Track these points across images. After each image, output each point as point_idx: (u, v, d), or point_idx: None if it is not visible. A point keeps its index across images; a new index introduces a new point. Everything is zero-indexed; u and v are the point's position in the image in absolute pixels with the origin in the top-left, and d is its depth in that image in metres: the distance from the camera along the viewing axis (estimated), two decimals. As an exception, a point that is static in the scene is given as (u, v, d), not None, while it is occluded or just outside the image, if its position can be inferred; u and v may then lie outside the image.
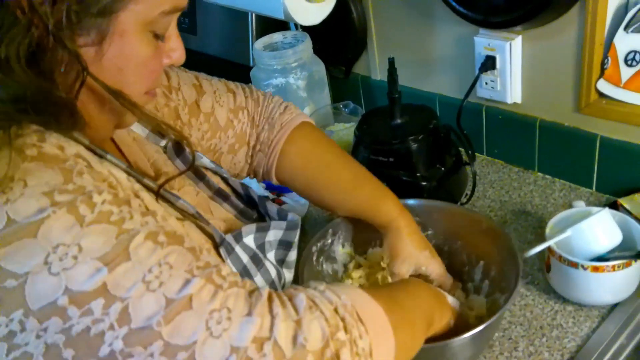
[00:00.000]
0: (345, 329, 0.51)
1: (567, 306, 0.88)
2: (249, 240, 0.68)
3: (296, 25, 1.40)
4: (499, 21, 1.04)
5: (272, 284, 0.69)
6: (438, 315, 0.71)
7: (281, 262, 0.74)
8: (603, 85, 1.00)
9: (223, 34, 1.55)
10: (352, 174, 0.87)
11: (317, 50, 1.34)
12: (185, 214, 0.61)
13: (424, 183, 1.05)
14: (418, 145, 1.05)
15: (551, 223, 0.91)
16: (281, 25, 1.39)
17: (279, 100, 0.89)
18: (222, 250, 0.63)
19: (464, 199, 1.12)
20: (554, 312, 0.88)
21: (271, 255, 0.72)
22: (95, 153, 0.52)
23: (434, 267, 0.85)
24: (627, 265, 0.82)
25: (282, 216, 0.75)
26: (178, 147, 0.73)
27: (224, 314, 0.47)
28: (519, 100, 1.15)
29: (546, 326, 0.86)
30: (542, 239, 0.88)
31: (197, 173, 0.73)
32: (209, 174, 0.75)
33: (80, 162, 0.47)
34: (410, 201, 0.93)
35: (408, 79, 1.30)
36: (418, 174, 1.05)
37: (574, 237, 0.85)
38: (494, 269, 0.87)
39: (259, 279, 0.67)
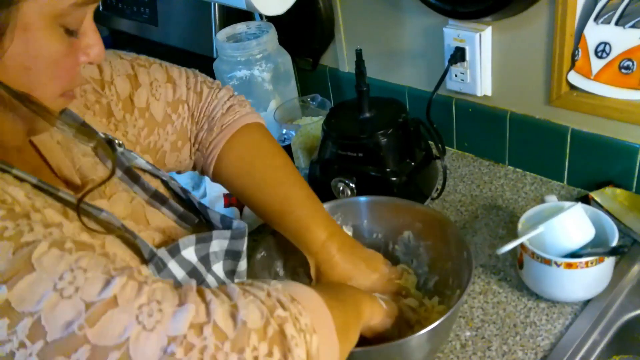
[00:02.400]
0: (283, 307, 0.50)
1: (540, 303, 0.87)
2: (189, 253, 0.63)
3: (261, 15, 1.36)
4: (468, 11, 1.01)
5: None
6: (368, 309, 0.70)
7: (231, 273, 0.69)
8: (574, 77, 0.99)
9: (185, 25, 1.50)
10: (283, 196, 0.82)
11: (283, 42, 1.30)
12: (110, 228, 0.57)
13: (394, 178, 1.02)
14: (387, 139, 1.02)
15: (523, 219, 0.89)
16: (245, 15, 1.35)
17: (226, 95, 0.82)
18: (151, 268, 0.58)
19: (434, 194, 1.10)
20: (527, 310, 0.86)
21: (218, 267, 0.67)
22: None
23: (371, 280, 0.84)
24: (600, 261, 0.80)
25: (226, 224, 0.70)
26: (110, 147, 0.66)
27: (154, 306, 0.44)
28: (489, 92, 1.13)
29: (519, 324, 0.84)
30: (513, 233, 0.87)
31: (130, 175, 0.67)
32: (146, 176, 0.70)
33: None
34: (362, 199, 0.94)
35: (377, 72, 1.27)
36: (387, 169, 1.03)
37: (546, 233, 0.83)
38: (448, 264, 0.85)
39: None
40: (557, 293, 0.85)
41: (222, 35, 1.27)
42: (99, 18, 2.01)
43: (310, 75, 1.44)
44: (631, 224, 0.92)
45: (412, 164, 1.05)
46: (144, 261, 0.58)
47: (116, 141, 0.66)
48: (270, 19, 1.27)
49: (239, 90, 1.26)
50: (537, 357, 0.79)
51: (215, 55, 1.35)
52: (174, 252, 0.60)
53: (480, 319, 0.86)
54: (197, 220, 0.72)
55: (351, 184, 1.02)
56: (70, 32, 0.50)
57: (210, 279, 0.64)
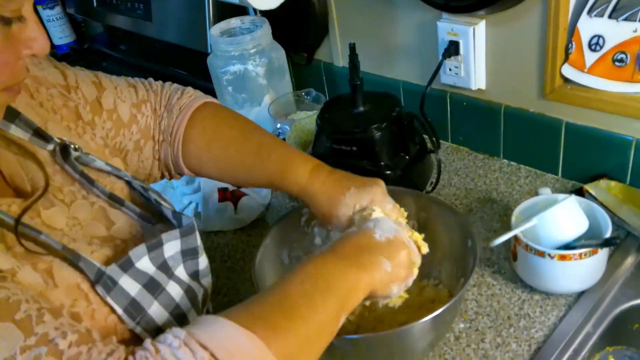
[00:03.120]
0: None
1: (534, 295, 0.87)
2: (144, 263, 0.60)
3: (255, 10, 1.36)
4: (461, 5, 1.01)
5: (179, 306, 0.62)
6: (362, 291, 0.63)
7: (195, 274, 0.67)
8: (568, 71, 0.99)
9: (179, 20, 1.50)
10: (257, 144, 0.80)
11: (277, 36, 1.30)
12: (51, 249, 0.55)
13: (388, 172, 1.02)
14: (381, 133, 1.02)
15: (517, 211, 0.89)
16: (239, 10, 1.35)
17: (178, 86, 0.84)
18: (99, 289, 0.56)
19: (429, 188, 1.10)
20: (521, 302, 0.86)
21: (180, 271, 0.65)
22: None
23: (363, 199, 0.75)
24: (594, 253, 0.80)
25: (178, 220, 0.67)
26: (64, 151, 0.65)
27: None
28: (483, 86, 1.13)
29: (513, 316, 0.84)
30: (508, 226, 0.87)
31: (86, 179, 0.66)
32: (107, 178, 0.69)
33: None
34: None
35: (371, 66, 1.27)
36: (382, 163, 1.03)
37: (540, 226, 0.83)
38: (453, 253, 0.85)
39: (155, 309, 0.60)
40: (551, 285, 0.85)
41: (215, 30, 1.26)
42: (92, 13, 2.02)
43: (304, 69, 1.44)
44: (625, 216, 0.93)
45: (407, 157, 1.05)
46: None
47: (72, 146, 0.65)
48: (265, 13, 1.27)
49: (233, 85, 1.27)
50: (530, 349, 0.79)
51: (209, 51, 1.35)
52: (126, 266, 0.58)
53: (474, 311, 0.86)
54: (155, 220, 0.70)
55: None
56: (7, 22, 0.49)
57: (172, 286, 0.62)
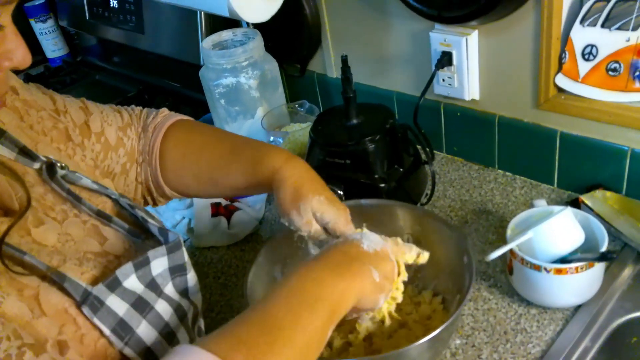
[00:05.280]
0: None
1: (531, 309, 0.86)
2: (132, 282, 0.58)
3: (247, 22, 1.35)
4: (454, 16, 1.00)
5: (168, 325, 0.61)
6: (344, 304, 0.62)
7: (185, 292, 0.66)
8: (561, 80, 0.98)
9: (172, 33, 1.49)
10: (230, 144, 0.81)
11: (270, 48, 1.29)
12: (36, 270, 0.54)
13: (382, 185, 1.01)
14: (375, 145, 1.01)
15: (512, 224, 0.88)
16: (232, 22, 1.34)
17: (153, 109, 0.86)
18: (85, 310, 0.54)
19: (424, 199, 1.09)
20: (518, 316, 0.85)
21: (170, 288, 0.63)
22: None
23: (329, 213, 0.73)
24: (590, 266, 0.79)
25: (165, 236, 0.66)
26: (50, 170, 0.64)
27: None
28: (477, 96, 1.12)
29: (510, 331, 0.83)
30: (503, 238, 0.86)
31: (73, 196, 0.64)
32: (93, 196, 0.68)
33: None
34: (363, 201, 0.90)
35: (364, 77, 1.26)
36: (376, 176, 1.02)
37: (535, 239, 0.82)
38: (449, 268, 0.84)
39: (144, 328, 0.58)
40: (548, 299, 0.84)
41: (207, 42, 1.26)
42: (85, 26, 2.01)
43: (298, 81, 1.43)
44: (621, 227, 0.92)
45: (401, 169, 1.04)
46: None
47: (58, 164, 0.64)
48: (257, 25, 1.26)
49: (226, 97, 1.26)
50: (528, 364, 0.78)
51: (202, 63, 1.34)
52: (114, 285, 0.57)
53: (470, 326, 0.85)
54: (144, 236, 0.69)
55: (339, 191, 1.01)
56: None
57: (161, 305, 0.61)
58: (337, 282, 0.61)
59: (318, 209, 0.73)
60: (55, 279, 0.54)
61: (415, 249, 0.74)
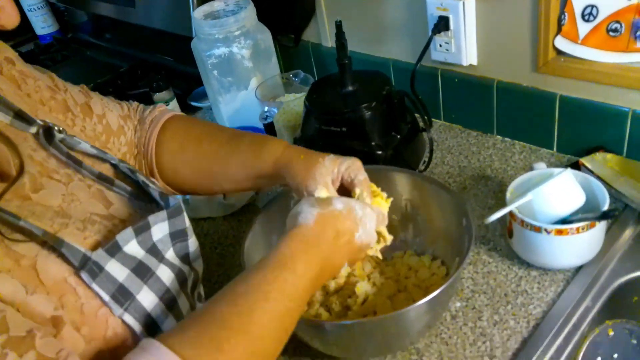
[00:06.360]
0: None
1: (532, 271, 0.85)
2: (132, 247, 0.57)
3: (239, -9, 1.32)
4: (450, -23, 0.98)
5: (169, 290, 0.60)
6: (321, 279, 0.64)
7: (186, 257, 0.65)
8: (561, 42, 0.96)
9: (163, 5, 1.46)
10: (229, 134, 0.82)
11: (263, 18, 1.27)
12: (33, 235, 0.52)
13: (380, 152, 1.00)
14: (371, 113, 0.99)
15: (512, 187, 0.87)
16: (223, -8, 1.31)
17: (151, 106, 0.86)
18: (84, 276, 0.53)
19: (422, 167, 1.08)
20: (518, 278, 0.84)
21: (171, 254, 0.63)
22: None
23: (345, 162, 0.74)
24: (591, 226, 0.78)
25: (165, 201, 0.65)
26: (48, 134, 0.63)
27: None
28: (474, 61, 1.10)
29: (510, 293, 0.82)
30: (502, 203, 0.85)
31: (73, 160, 0.63)
32: (88, 160, 0.66)
33: None
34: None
35: (359, 45, 1.24)
36: (373, 143, 1.00)
37: (535, 201, 0.81)
38: (448, 232, 0.83)
39: (145, 294, 0.58)
40: (548, 261, 0.83)
41: (199, 13, 1.23)
42: (75, 2, 1.98)
43: (292, 52, 1.41)
44: (622, 188, 0.91)
45: (398, 137, 1.02)
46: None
47: (56, 128, 0.63)
48: (249, -6, 1.24)
49: (219, 69, 1.24)
50: (529, 325, 0.77)
51: (194, 35, 1.32)
52: (114, 250, 0.56)
53: (470, 289, 0.84)
54: (146, 199, 0.68)
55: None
56: None
57: (162, 270, 0.60)
58: (294, 253, 0.61)
59: (330, 165, 0.74)
60: (53, 245, 0.53)
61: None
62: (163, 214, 0.62)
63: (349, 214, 0.67)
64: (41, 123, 0.62)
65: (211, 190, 0.85)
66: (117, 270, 0.56)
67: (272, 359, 0.57)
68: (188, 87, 1.49)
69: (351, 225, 0.67)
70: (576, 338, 0.76)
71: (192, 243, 0.66)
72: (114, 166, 0.69)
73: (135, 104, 0.85)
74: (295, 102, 1.17)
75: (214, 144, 0.81)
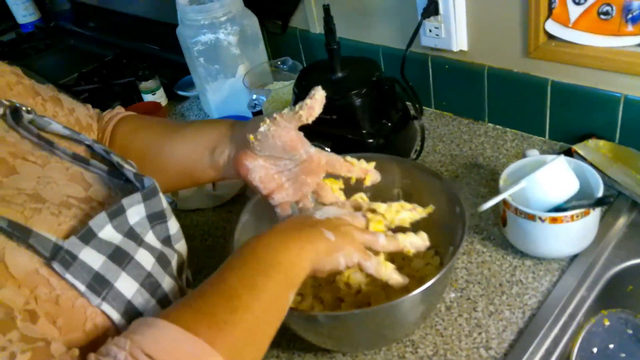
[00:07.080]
0: None
1: (526, 260, 0.84)
2: (107, 233, 0.55)
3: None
4: (440, -39, 0.96)
5: (151, 275, 0.59)
6: (297, 264, 0.61)
7: (167, 239, 0.64)
8: (551, 26, 0.95)
9: (147, -9, 1.43)
10: (181, 123, 0.85)
11: (250, 4, 1.24)
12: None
13: (371, 140, 0.98)
14: (361, 99, 0.97)
15: (505, 174, 0.86)
16: (208, -22, 1.28)
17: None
18: (56, 266, 0.51)
19: (413, 155, 1.06)
20: (513, 268, 0.83)
21: (150, 237, 0.61)
22: None
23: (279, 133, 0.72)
24: (586, 214, 0.77)
25: (140, 182, 0.63)
26: (15, 114, 0.61)
27: None
28: (465, 47, 1.09)
29: (505, 283, 0.82)
30: (495, 192, 0.83)
31: (45, 141, 0.62)
32: (60, 141, 0.65)
33: None
34: (350, 156, 0.85)
35: (348, 31, 1.22)
36: (364, 131, 0.98)
37: (529, 188, 0.80)
38: (440, 221, 0.81)
39: (124, 281, 0.55)
40: (543, 249, 0.82)
41: (183, -2, 1.21)
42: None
43: (280, 38, 1.38)
44: (615, 175, 0.90)
45: (389, 124, 1.01)
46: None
47: (24, 107, 0.61)
48: (235, -21, 1.21)
49: (205, 56, 1.21)
50: (524, 315, 0.77)
51: (179, 22, 1.29)
52: (88, 237, 0.54)
53: (464, 279, 0.83)
54: (124, 178, 0.66)
55: (326, 149, 0.97)
56: None
57: (142, 254, 0.58)
58: (289, 246, 0.61)
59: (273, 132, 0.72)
60: (19, 236, 0.50)
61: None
62: (137, 196, 0.59)
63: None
64: (7, 103, 0.60)
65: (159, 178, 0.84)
66: (92, 258, 0.53)
67: (268, 339, 0.56)
68: (174, 76, 1.47)
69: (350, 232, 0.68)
70: (572, 328, 0.75)
71: (173, 225, 0.64)
72: (89, 147, 0.67)
73: (94, 110, 0.85)
74: (284, 89, 1.15)
75: (167, 126, 0.83)
